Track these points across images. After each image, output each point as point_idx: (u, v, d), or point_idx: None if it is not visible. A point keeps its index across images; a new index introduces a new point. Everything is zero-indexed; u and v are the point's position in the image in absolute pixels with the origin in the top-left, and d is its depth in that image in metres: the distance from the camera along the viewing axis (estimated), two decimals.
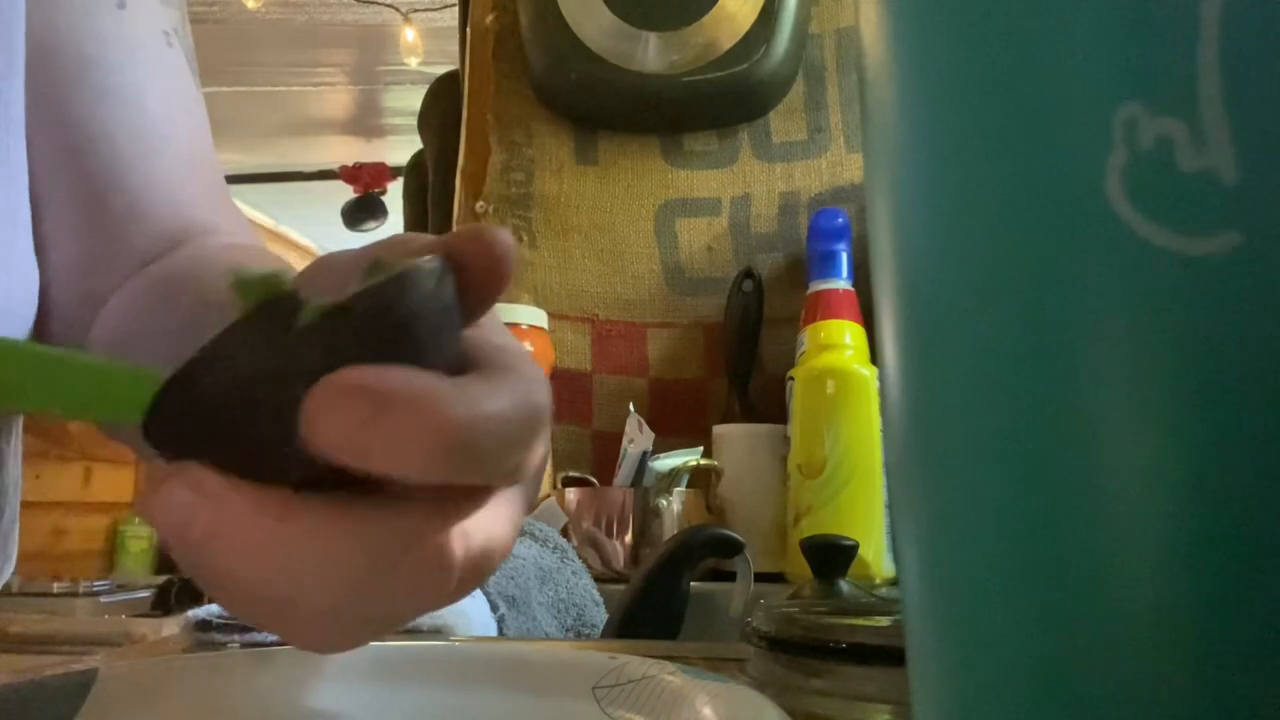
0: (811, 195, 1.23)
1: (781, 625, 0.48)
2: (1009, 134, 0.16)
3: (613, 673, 0.37)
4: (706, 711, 0.33)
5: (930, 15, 0.17)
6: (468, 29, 1.33)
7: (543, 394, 0.26)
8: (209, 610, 0.56)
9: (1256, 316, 0.14)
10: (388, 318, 0.23)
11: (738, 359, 1.15)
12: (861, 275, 1.05)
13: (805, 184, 1.24)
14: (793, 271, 1.20)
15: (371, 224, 4.27)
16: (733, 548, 0.83)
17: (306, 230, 5.22)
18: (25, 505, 0.57)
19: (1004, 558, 0.16)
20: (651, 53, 1.21)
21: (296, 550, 0.24)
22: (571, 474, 1.08)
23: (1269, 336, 0.14)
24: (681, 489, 1.04)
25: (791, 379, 1.04)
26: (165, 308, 0.46)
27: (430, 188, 1.53)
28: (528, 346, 1.06)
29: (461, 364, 0.26)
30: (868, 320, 1.03)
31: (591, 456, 1.17)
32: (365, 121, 4.33)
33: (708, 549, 0.84)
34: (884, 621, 0.49)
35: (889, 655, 0.43)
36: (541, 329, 1.11)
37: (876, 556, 0.97)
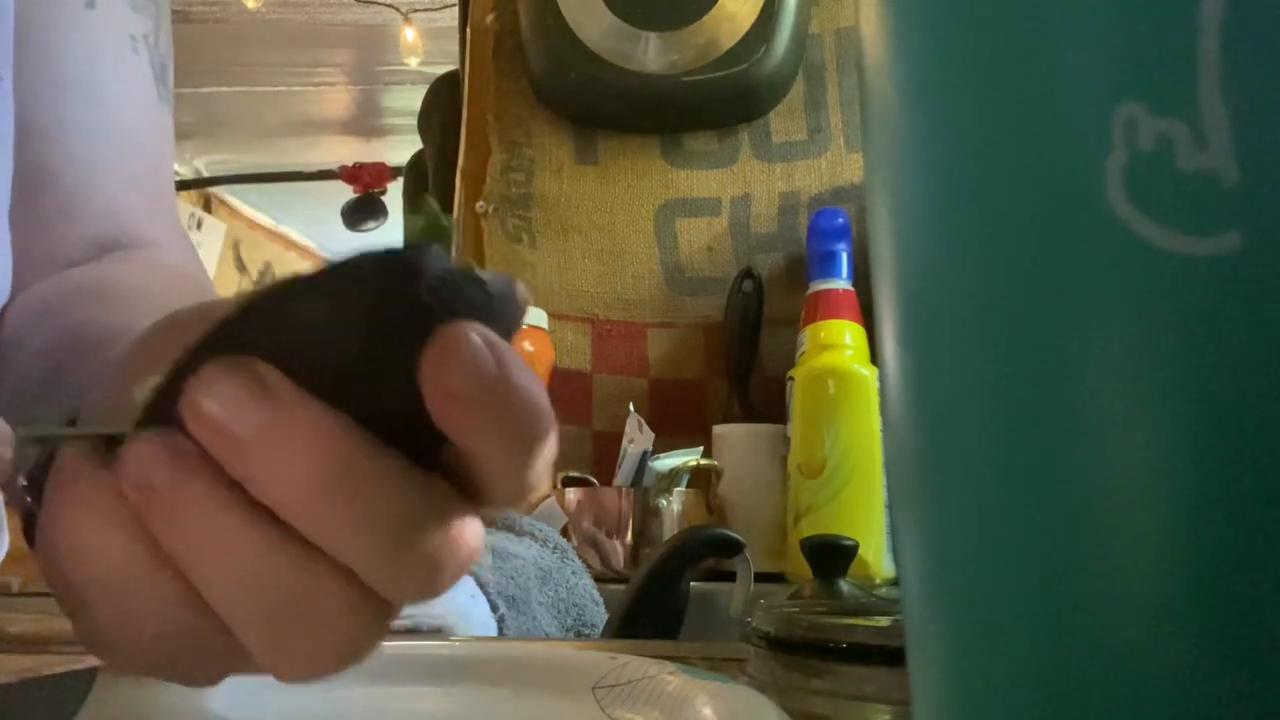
0: (811, 195, 1.23)
1: (781, 625, 0.48)
2: (1009, 134, 0.16)
3: (613, 673, 0.37)
4: (706, 711, 0.33)
5: (930, 15, 0.17)
6: (468, 29, 1.33)
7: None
8: None
9: (1257, 316, 0.14)
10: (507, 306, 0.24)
11: (738, 359, 1.15)
12: (861, 275, 1.05)
13: (805, 184, 1.24)
14: (793, 271, 1.19)
15: (371, 224, 4.26)
16: (733, 548, 0.83)
17: (306, 230, 5.21)
18: None
19: (1004, 557, 0.16)
20: (651, 53, 1.21)
21: (351, 480, 0.22)
22: (571, 474, 1.08)
23: (1269, 336, 0.14)
24: (681, 489, 1.04)
25: (791, 379, 1.04)
26: (45, 324, 0.45)
27: (430, 188, 1.53)
28: (528, 346, 1.06)
29: None
30: (868, 320, 1.03)
31: (591, 456, 1.16)
32: (365, 121, 4.33)
33: (708, 549, 0.84)
34: (884, 621, 0.49)
35: (889, 655, 0.43)
36: (541, 329, 1.11)
37: (876, 556, 0.97)
